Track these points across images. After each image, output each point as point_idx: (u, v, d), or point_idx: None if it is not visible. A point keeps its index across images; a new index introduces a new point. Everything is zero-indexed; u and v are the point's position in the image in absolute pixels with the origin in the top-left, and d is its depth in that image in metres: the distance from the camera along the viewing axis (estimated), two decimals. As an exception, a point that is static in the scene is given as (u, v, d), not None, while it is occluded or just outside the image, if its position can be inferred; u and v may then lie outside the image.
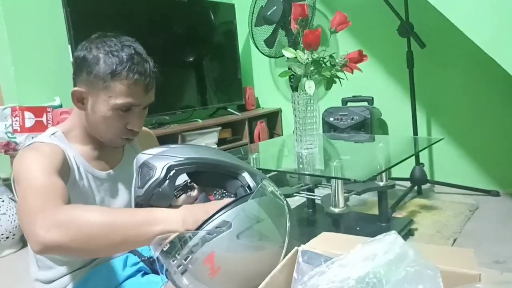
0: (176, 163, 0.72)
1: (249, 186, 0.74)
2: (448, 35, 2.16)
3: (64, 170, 0.85)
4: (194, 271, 0.60)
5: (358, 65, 1.54)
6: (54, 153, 0.84)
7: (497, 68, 1.52)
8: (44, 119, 1.94)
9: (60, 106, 2.04)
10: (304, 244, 0.72)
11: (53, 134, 0.91)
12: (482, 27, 1.39)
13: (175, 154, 0.73)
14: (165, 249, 0.59)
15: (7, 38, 1.98)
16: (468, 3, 1.38)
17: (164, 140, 2.13)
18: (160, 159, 0.72)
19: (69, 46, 1.99)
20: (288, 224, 0.67)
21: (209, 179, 0.80)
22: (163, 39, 2.43)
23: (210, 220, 0.62)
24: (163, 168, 0.71)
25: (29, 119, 1.89)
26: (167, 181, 0.71)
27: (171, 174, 0.71)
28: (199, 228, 0.62)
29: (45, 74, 2.11)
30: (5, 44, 1.98)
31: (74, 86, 0.88)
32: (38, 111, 1.93)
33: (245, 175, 0.75)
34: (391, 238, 0.57)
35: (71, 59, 1.99)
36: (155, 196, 0.71)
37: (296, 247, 0.72)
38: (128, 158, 1.00)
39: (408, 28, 2.08)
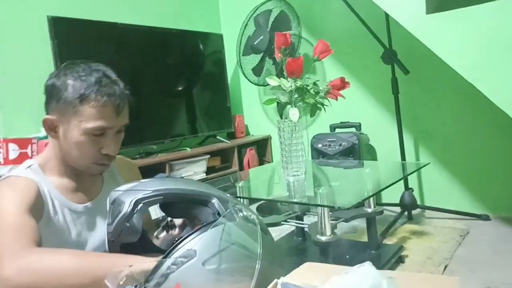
0: (143, 196, 0.72)
1: (219, 213, 0.73)
2: (432, 61, 2.20)
3: (38, 207, 0.83)
4: None
5: (343, 91, 1.56)
6: (28, 189, 0.83)
7: (481, 92, 1.54)
8: (28, 150, 1.92)
9: (46, 137, 2.02)
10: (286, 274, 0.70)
11: (29, 167, 0.90)
12: (462, 55, 1.42)
13: (144, 188, 0.74)
14: (121, 283, 0.57)
15: (-6, 70, 1.98)
16: (447, 32, 1.42)
17: (151, 169, 2.11)
18: (129, 195, 0.72)
19: (56, 77, 1.99)
20: (259, 251, 0.65)
21: (179, 209, 0.80)
22: (152, 69, 2.46)
23: (174, 250, 0.60)
24: (130, 203, 0.71)
25: (13, 151, 1.87)
26: (135, 215, 0.70)
27: (138, 207, 0.71)
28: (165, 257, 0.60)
29: (31, 106, 2.09)
30: (-8, 76, 1.98)
31: (46, 114, 0.88)
32: (22, 142, 1.91)
33: (215, 201, 0.74)
34: (365, 269, 0.56)
35: (58, 90, 2.00)
36: (124, 231, 0.70)
37: (276, 280, 0.69)
38: (107, 189, 0.98)
39: (391, 55, 2.12)
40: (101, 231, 0.95)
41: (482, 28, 1.35)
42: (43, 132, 2.05)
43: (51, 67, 2.00)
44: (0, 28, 2.00)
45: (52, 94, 0.87)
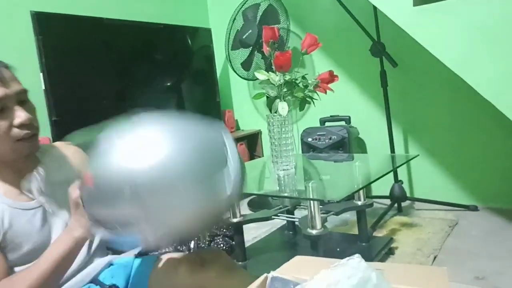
0: None
1: None
2: (420, 54, 2.21)
3: None
4: None
5: (331, 85, 1.55)
6: None
7: (469, 84, 1.55)
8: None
9: (32, 134, 1.99)
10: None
11: None
12: (450, 47, 1.43)
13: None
14: None
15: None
16: (435, 25, 1.42)
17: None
18: None
19: (41, 74, 1.96)
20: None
21: None
22: (140, 64, 2.43)
23: None
24: None
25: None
26: None
27: None
28: None
29: (17, 103, 2.07)
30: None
31: None
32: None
33: None
34: (355, 262, 0.56)
35: (43, 87, 1.97)
36: None
37: (265, 274, 0.69)
38: (51, 177, 0.94)
39: (379, 48, 2.12)
40: (63, 218, 0.93)
41: (469, 20, 1.35)
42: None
43: (36, 64, 1.97)
44: (-18, 24, 1.96)
45: None
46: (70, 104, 2.05)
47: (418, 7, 1.35)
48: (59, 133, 1.94)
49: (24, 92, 0.87)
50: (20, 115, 0.83)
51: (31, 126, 0.86)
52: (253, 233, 2.08)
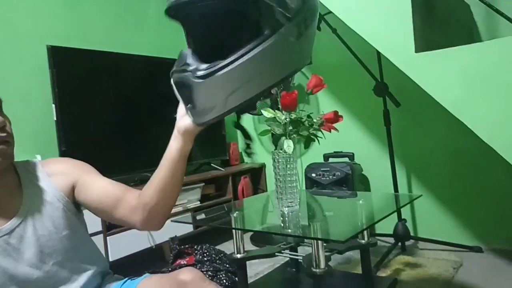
0: None
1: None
2: (422, 95, 2.25)
3: None
4: None
5: (336, 124, 1.59)
6: None
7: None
8: (22, 177, 1.91)
9: (40, 164, 2.03)
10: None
11: None
12: (447, 90, 1.47)
13: None
14: None
15: (-8, 97, 2.00)
16: (434, 69, 1.47)
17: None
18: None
19: (53, 105, 2.01)
20: None
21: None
22: (147, 97, 2.48)
23: None
24: None
25: (7, 178, 1.86)
26: None
27: None
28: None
29: (28, 132, 2.11)
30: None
31: None
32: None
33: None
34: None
35: (55, 118, 2.02)
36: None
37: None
38: (29, 201, 0.87)
39: (383, 88, 2.18)
40: (33, 252, 0.83)
41: (465, 66, 1.41)
42: (38, 158, 2.05)
43: (49, 95, 2.03)
44: (0, 58, 2.03)
45: None
46: (78, 135, 2.10)
47: (419, 53, 1.41)
48: (67, 163, 1.98)
49: None
50: None
51: (4, 130, 0.83)
52: (255, 269, 2.06)
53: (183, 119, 0.77)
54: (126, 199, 0.89)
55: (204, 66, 0.68)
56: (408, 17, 1.41)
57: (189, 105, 0.72)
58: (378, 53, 2.19)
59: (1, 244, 0.80)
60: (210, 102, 0.70)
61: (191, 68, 0.69)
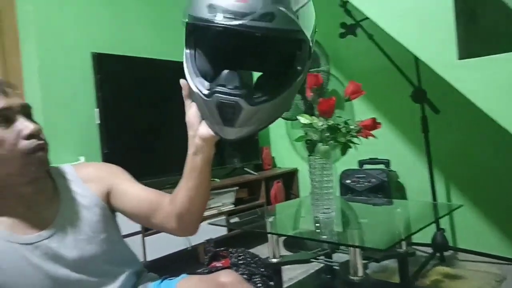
0: None
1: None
2: (463, 102, 2.20)
3: None
4: None
5: (373, 131, 1.58)
6: None
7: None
8: (67, 179, 2.01)
9: (84, 166, 2.12)
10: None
11: None
12: (493, 99, 1.43)
13: None
14: None
15: (40, 101, 2.11)
16: (478, 77, 1.43)
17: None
18: None
19: (96, 109, 2.10)
20: None
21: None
22: (183, 101, 2.54)
23: None
24: None
25: (54, 179, 1.96)
26: None
27: None
28: None
29: (73, 135, 2.21)
30: (38, 106, 2.11)
31: None
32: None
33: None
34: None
35: (97, 121, 2.11)
36: None
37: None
38: (66, 209, 0.88)
39: (421, 94, 2.13)
40: (69, 258, 0.84)
41: (510, 74, 1.37)
42: (82, 160, 2.15)
43: (93, 100, 2.12)
44: (48, 64, 2.15)
45: None
46: (119, 138, 2.18)
47: (462, 60, 1.38)
48: (109, 165, 2.06)
49: (28, 106, 0.83)
50: (28, 125, 0.78)
51: (40, 138, 0.81)
52: (288, 274, 2.06)
53: (204, 128, 0.78)
54: (161, 206, 0.90)
55: (259, 94, 0.73)
56: (451, 24, 1.38)
57: (224, 122, 0.74)
58: (416, 58, 2.15)
59: (42, 249, 0.82)
60: (249, 123, 0.73)
61: (242, 92, 0.71)
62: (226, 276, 0.93)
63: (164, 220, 0.90)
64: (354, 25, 2.25)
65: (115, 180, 0.94)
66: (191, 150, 0.82)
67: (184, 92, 0.81)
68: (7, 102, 0.78)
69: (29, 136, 0.78)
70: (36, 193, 0.84)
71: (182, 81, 0.79)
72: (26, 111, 0.82)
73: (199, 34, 0.75)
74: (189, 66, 0.77)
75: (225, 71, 0.72)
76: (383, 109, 2.56)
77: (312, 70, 2.53)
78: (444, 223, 2.32)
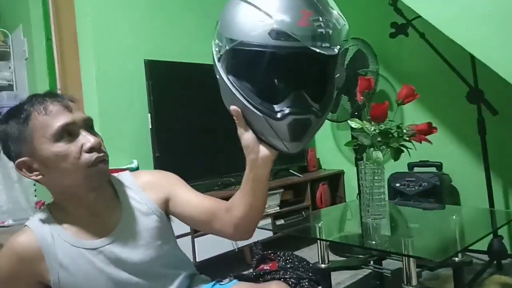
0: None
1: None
2: (523, 101, 2.09)
3: (38, 273, 0.84)
4: None
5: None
6: (26, 258, 0.84)
7: None
8: (122, 180, 2.10)
9: (137, 168, 2.21)
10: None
11: (41, 218, 0.88)
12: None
13: None
14: None
15: (97, 105, 2.22)
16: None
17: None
18: None
19: (149, 114, 2.18)
20: None
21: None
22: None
23: None
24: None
25: (110, 181, 2.06)
26: None
27: None
28: None
29: (126, 139, 2.31)
30: (95, 110, 2.22)
31: (15, 163, 0.85)
32: (116, 173, 2.10)
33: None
34: None
35: (150, 126, 2.19)
36: None
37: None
38: (127, 216, 0.92)
39: (477, 95, 2.03)
40: (132, 262, 0.89)
41: None
42: (135, 163, 2.24)
43: (145, 105, 2.20)
44: (105, 71, 2.26)
45: (5, 140, 0.85)
46: (170, 142, 2.25)
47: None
48: (160, 167, 2.13)
49: (90, 120, 0.87)
50: (90, 139, 0.83)
51: (101, 150, 0.85)
52: (335, 278, 2.04)
53: (265, 149, 0.81)
54: (219, 214, 0.94)
55: (318, 105, 0.77)
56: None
57: (293, 139, 0.76)
58: (472, 57, 2.05)
59: (105, 253, 0.87)
60: (312, 135, 0.80)
61: (314, 109, 0.76)
62: (276, 287, 0.95)
63: (222, 227, 0.94)
64: (405, 24, 2.18)
65: (174, 188, 0.99)
66: (251, 171, 0.84)
67: (238, 120, 0.81)
68: (71, 117, 0.83)
69: (91, 149, 0.82)
70: (99, 201, 0.89)
71: (233, 108, 0.80)
72: (88, 124, 0.86)
73: (248, 59, 0.75)
74: (243, 92, 0.77)
75: (294, 92, 0.75)
76: (435, 110, 2.47)
77: (360, 70, 2.49)
78: (503, 230, 2.20)
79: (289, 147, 0.77)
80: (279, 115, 0.74)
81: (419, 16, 1.81)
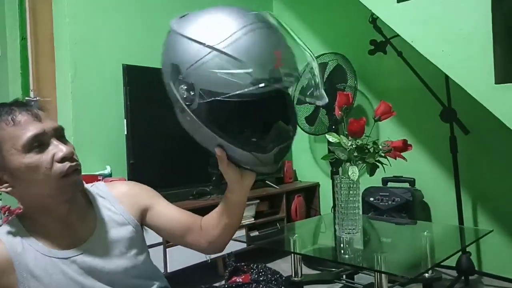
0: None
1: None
2: (494, 122, 2.15)
3: (7, 285, 0.79)
4: None
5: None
6: None
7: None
8: (94, 187, 2.04)
9: (110, 174, 2.16)
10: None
11: (10, 228, 0.84)
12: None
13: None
14: None
15: (71, 109, 2.16)
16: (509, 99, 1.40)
17: (203, 212, 2.17)
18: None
19: (125, 120, 2.14)
20: None
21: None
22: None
23: None
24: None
25: (81, 187, 1.99)
26: None
27: None
28: None
29: (100, 144, 2.25)
30: (69, 117, 2.16)
31: None
32: (89, 179, 2.03)
33: None
34: None
35: (125, 132, 2.14)
36: None
37: None
38: (102, 224, 0.91)
39: (450, 114, 2.09)
40: (107, 270, 0.87)
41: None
42: (108, 169, 2.19)
43: (121, 111, 2.16)
44: (81, 74, 2.20)
45: None
46: (145, 149, 2.21)
47: (500, 85, 1.35)
48: (134, 174, 2.08)
49: (61, 128, 0.85)
50: (62, 148, 0.80)
51: (73, 160, 0.83)
52: (308, 292, 2.04)
53: (249, 177, 0.87)
54: (193, 229, 0.97)
55: (291, 127, 0.86)
56: (488, 47, 1.36)
57: (275, 163, 0.83)
58: (447, 77, 2.12)
59: (78, 263, 0.85)
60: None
61: (294, 136, 0.85)
62: None
63: (196, 241, 0.97)
64: (384, 42, 2.23)
65: (151, 200, 1.00)
66: (232, 195, 0.90)
67: (222, 164, 0.84)
68: (41, 127, 0.80)
69: (63, 159, 0.80)
70: (72, 212, 0.87)
71: (218, 150, 0.82)
72: (59, 133, 0.84)
73: (231, 109, 0.78)
74: (226, 136, 0.80)
75: (275, 125, 0.83)
76: (410, 127, 2.53)
77: (339, 85, 2.52)
78: (470, 246, 2.26)
79: (272, 169, 0.83)
80: (266, 149, 0.80)
81: (397, 35, 1.86)
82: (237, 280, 1.92)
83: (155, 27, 2.52)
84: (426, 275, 1.59)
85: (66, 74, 2.19)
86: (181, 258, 2.12)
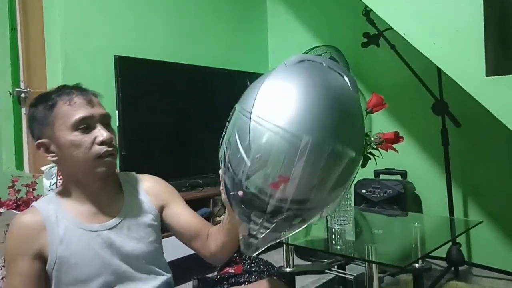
0: None
1: None
2: (486, 116, 2.17)
3: (34, 242, 0.91)
4: None
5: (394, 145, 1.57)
6: (30, 232, 0.91)
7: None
8: (86, 178, 2.03)
9: (102, 166, 2.14)
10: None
11: (47, 199, 0.98)
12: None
13: None
14: None
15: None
16: (505, 93, 1.41)
17: (196, 203, 2.18)
18: None
19: (117, 111, 2.13)
20: None
21: None
22: (201, 105, 2.56)
23: None
24: None
25: (73, 178, 1.98)
26: None
27: None
28: None
29: (92, 136, 2.23)
30: (60, 107, 2.14)
31: (36, 142, 0.95)
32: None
33: None
34: None
35: (117, 124, 2.13)
36: None
37: None
38: (127, 208, 1.01)
39: (442, 107, 2.11)
40: (126, 249, 0.97)
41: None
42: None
43: (113, 102, 2.14)
44: (72, 66, 2.18)
45: (31, 121, 0.96)
46: (138, 141, 2.20)
47: (491, 77, 1.36)
48: (126, 166, 2.07)
49: (108, 116, 0.98)
50: (103, 133, 0.92)
51: (111, 145, 0.94)
52: (299, 283, 2.05)
53: None
54: (201, 237, 1.05)
55: None
56: (480, 41, 1.36)
57: None
58: (439, 70, 2.13)
59: (103, 237, 0.95)
60: None
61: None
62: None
63: (200, 248, 1.06)
64: (377, 35, 2.23)
65: (172, 199, 1.09)
66: (232, 217, 0.91)
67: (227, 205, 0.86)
68: (91, 111, 0.93)
69: (102, 143, 0.92)
70: (102, 191, 0.98)
71: (223, 196, 0.85)
72: (105, 120, 0.96)
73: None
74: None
75: None
76: (402, 119, 2.54)
77: (331, 78, 2.52)
78: (461, 237, 2.29)
79: None
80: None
81: (390, 28, 1.86)
82: (230, 271, 1.94)
83: (148, 19, 2.50)
84: (417, 265, 1.61)
85: (56, 65, 2.16)
86: (174, 249, 2.11)
